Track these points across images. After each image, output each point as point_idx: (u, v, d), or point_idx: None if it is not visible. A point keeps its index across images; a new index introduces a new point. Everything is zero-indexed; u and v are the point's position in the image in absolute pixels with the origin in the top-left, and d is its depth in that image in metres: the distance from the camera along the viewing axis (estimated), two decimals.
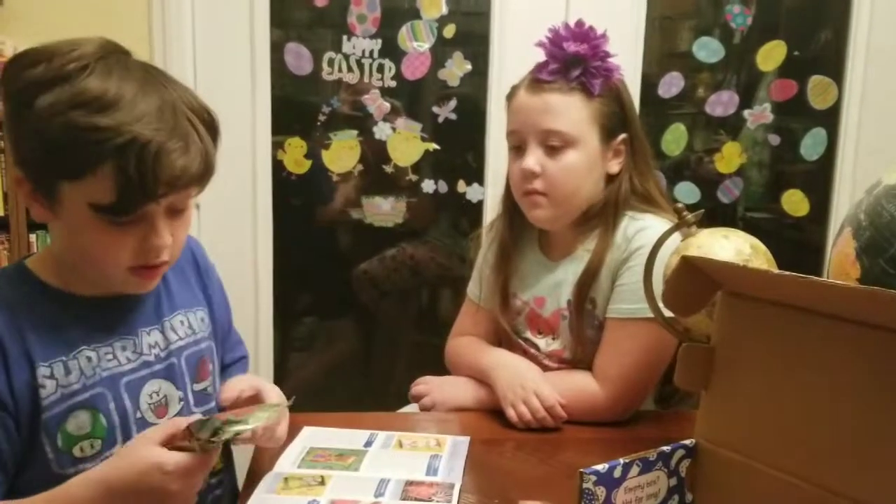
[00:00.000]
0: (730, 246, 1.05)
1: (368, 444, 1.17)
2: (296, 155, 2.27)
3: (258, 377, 1.09)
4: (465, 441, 1.18)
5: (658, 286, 1.12)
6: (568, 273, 1.33)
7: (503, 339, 1.44)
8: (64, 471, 0.91)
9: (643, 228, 1.27)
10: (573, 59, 1.28)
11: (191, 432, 0.82)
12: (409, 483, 1.03)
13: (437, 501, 0.98)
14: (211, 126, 0.92)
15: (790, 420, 0.90)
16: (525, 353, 1.39)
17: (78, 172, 0.85)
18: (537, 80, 1.30)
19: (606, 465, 0.89)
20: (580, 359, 1.32)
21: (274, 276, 2.30)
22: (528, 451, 1.20)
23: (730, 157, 2.44)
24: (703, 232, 1.08)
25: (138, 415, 0.97)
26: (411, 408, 1.51)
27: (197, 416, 0.94)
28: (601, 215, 1.31)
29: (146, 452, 0.82)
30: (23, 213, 2.05)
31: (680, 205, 1.09)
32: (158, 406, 0.99)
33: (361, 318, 2.87)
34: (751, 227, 1.10)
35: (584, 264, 1.30)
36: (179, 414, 1.01)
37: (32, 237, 2.07)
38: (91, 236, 0.89)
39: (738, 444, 0.96)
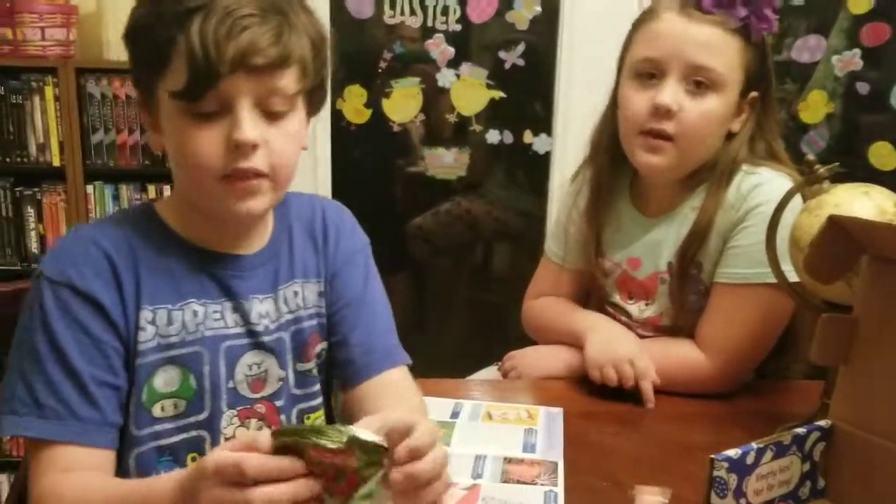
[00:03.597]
0: (871, 204, 0.93)
1: (455, 414, 1.09)
2: (356, 104, 2.17)
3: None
4: (558, 413, 1.09)
5: (781, 248, 1.01)
6: (668, 233, 1.22)
7: (592, 303, 1.34)
8: (139, 431, 0.86)
9: (760, 184, 1.14)
10: None
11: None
12: (508, 461, 0.95)
13: (543, 484, 0.90)
14: (308, 11, 0.86)
15: None
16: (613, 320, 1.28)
17: (161, 55, 0.80)
18: (696, 7, 1.13)
19: (739, 451, 0.80)
20: (679, 326, 1.22)
21: None
22: (628, 424, 1.11)
23: (815, 106, 2.28)
24: (838, 188, 0.96)
25: (230, 384, 0.90)
26: (485, 373, 1.43)
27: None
28: (711, 171, 1.18)
29: (219, 452, 0.67)
30: (79, 164, 1.99)
31: (810, 156, 0.97)
32: (255, 380, 0.92)
33: (415, 274, 2.80)
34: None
35: (688, 224, 1.19)
36: (276, 394, 0.93)
37: (90, 188, 2.01)
38: (180, 138, 0.82)
39: (880, 426, 0.85)
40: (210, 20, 0.78)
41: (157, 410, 0.86)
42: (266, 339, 0.92)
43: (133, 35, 0.84)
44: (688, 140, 1.14)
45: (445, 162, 2.29)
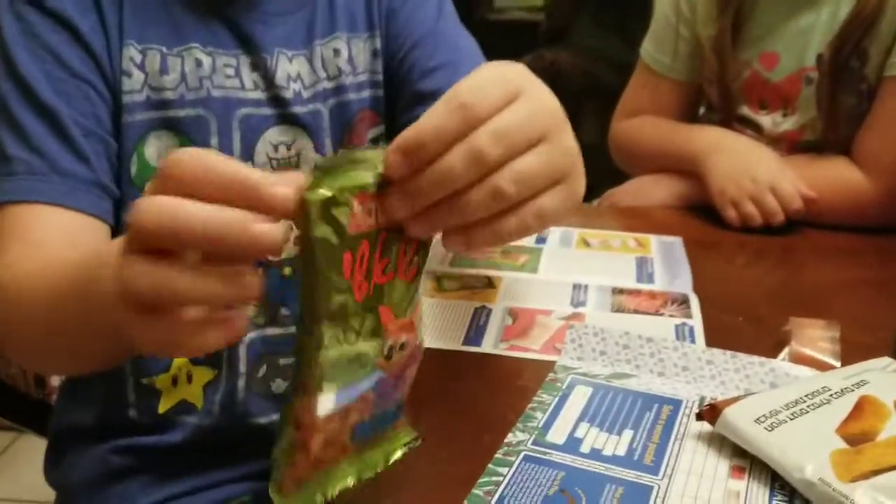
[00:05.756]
0: None
1: (541, 240, 0.86)
2: None
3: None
4: (677, 242, 0.86)
5: None
6: (821, 15, 0.93)
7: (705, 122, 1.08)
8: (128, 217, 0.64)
9: None
10: None
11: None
12: (619, 291, 0.72)
13: (673, 316, 0.67)
14: None
15: None
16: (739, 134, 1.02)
17: None
18: None
19: None
20: (827, 142, 0.95)
21: None
22: (765, 257, 0.87)
23: None
24: None
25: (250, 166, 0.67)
26: None
27: None
28: None
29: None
30: None
31: None
32: (284, 166, 0.69)
33: None
34: None
35: (849, 2, 0.90)
36: None
37: None
38: None
39: None
40: None
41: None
42: (300, 109, 0.69)
43: None
44: None
45: None
